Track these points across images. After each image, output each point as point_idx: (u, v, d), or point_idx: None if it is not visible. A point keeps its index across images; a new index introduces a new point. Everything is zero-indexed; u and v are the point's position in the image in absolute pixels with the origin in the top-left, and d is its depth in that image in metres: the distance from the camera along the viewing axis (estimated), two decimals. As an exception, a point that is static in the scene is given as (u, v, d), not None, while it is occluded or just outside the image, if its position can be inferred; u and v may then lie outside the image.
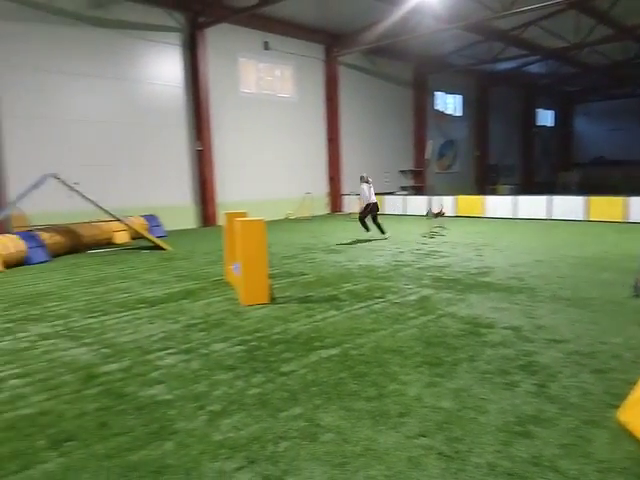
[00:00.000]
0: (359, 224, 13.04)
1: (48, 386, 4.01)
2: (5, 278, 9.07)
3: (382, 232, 12.90)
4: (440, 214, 15.65)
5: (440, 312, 5.86)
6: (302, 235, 14.43)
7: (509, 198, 18.84)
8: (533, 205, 17.72)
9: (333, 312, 5.97)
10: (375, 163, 24.93)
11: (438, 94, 28.83)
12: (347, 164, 23.29)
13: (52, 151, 14.75)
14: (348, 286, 7.40)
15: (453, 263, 9.11)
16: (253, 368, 4.26)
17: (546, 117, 38.49)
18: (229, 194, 18.99)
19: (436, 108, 28.80)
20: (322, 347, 4.73)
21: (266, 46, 19.29)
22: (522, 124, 35.65)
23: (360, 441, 3.06)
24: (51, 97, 14.89)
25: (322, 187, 22.94)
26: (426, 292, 6.89)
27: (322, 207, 22.77)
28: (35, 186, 11.25)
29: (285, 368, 4.22)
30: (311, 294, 6.96)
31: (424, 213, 16.03)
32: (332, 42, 22.01)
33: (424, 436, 3.11)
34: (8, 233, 11.14)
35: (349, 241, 12.67)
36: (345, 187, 23.20)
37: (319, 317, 5.77)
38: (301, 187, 21.59)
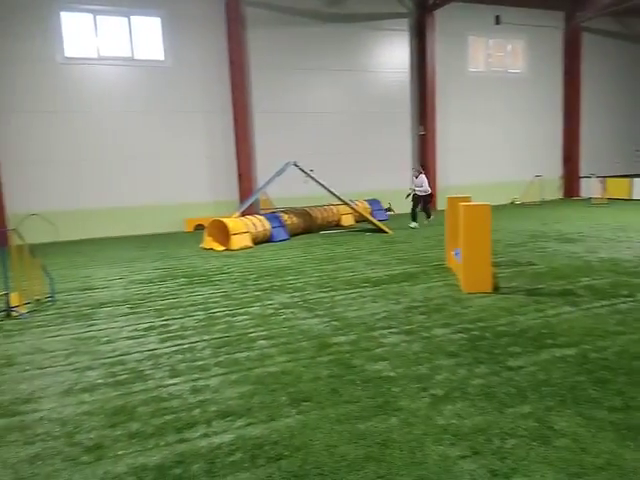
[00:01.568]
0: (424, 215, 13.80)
1: (289, 349, 4.54)
2: (254, 253, 10.52)
3: (415, 220, 13.51)
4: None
5: None
6: (530, 222, 13.38)
7: None
8: None
9: (568, 308, 5.41)
10: (623, 139, 21.62)
11: None
12: (587, 142, 20.71)
13: (291, 141, 16.47)
14: (586, 280, 6.60)
15: None
16: (476, 358, 4.13)
17: None
18: (450, 178, 18.66)
19: None
20: (555, 345, 4.32)
21: (497, 20, 18.16)
22: None
23: (601, 453, 2.72)
24: (291, 92, 16.59)
25: (555, 169, 20.86)
26: (691, 294, 5.74)
27: (553, 191, 20.75)
28: (279, 173, 12.73)
29: (512, 363, 3.99)
30: (541, 286, 6.41)
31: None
32: (573, 7, 19.64)
33: (688, 464, 2.61)
34: (257, 214, 12.86)
35: (587, 229, 11.28)
36: (584, 169, 20.68)
37: (551, 312, 5.29)
38: (530, 170, 19.98)
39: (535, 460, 2.68)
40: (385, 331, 4.93)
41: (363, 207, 14.81)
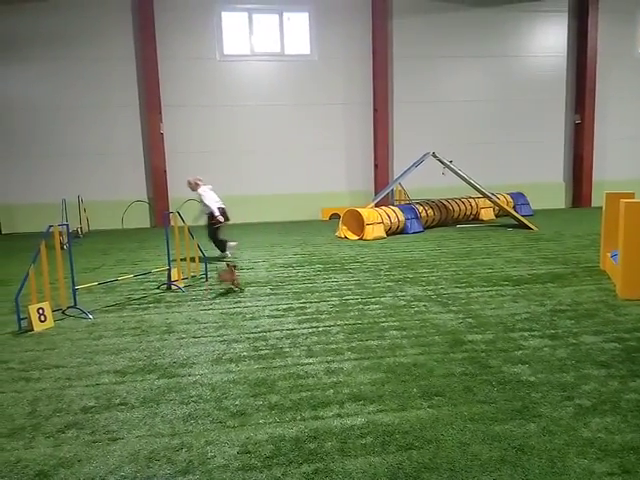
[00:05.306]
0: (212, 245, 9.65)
1: (420, 342, 4.51)
2: (387, 244, 10.55)
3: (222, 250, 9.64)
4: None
5: None
6: None
7: None
8: None
9: None
10: None
11: None
12: None
13: (430, 131, 16.14)
14: None
15: None
16: (631, 371, 3.74)
17: None
18: (607, 171, 16.88)
19: None
20: None
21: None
22: None
23: None
24: (431, 81, 16.22)
25: None
26: None
27: None
28: (417, 164, 12.57)
29: (676, 380, 3.54)
30: None
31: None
32: None
33: None
34: (391, 205, 12.85)
35: None
36: None
37: None
38: None
39: (702, 492, 2.38)
40: (526, 333, 4.66)
41: (505, 201, 14.03)
